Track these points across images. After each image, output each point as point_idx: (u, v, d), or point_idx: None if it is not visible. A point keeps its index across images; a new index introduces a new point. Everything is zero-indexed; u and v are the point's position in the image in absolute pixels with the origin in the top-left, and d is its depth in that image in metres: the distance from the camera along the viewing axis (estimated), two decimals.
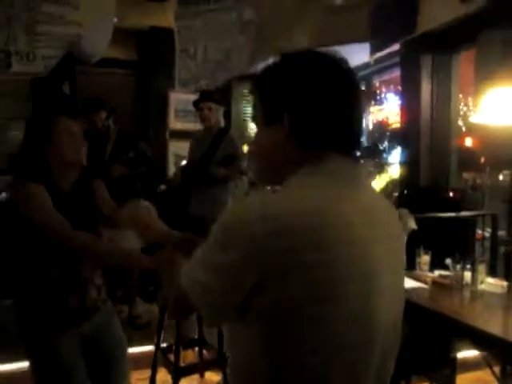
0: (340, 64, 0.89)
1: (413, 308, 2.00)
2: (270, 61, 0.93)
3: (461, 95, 4.29)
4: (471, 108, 4.62)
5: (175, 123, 5.13)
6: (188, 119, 4.98)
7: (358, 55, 3.60)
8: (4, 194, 3.43)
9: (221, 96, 3.80)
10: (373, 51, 3.84)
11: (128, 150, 3.81)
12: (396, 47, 3.87)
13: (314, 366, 0.79)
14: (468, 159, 4.79)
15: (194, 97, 3.78)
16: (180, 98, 4.95)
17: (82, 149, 1.71)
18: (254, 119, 0.95)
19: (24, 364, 1.74)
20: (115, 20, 3.40)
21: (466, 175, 5.08)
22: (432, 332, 2.14)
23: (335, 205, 0.82)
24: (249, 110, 5.20)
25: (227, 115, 4.84)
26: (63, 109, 1.72)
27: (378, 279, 0.83)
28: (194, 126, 4.39)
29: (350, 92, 0.88)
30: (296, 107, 0.86)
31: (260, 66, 0.96)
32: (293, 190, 0.85)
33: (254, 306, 0.79)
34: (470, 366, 2.78)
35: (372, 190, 1.02)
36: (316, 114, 0.85)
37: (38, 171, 1.63)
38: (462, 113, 4.69)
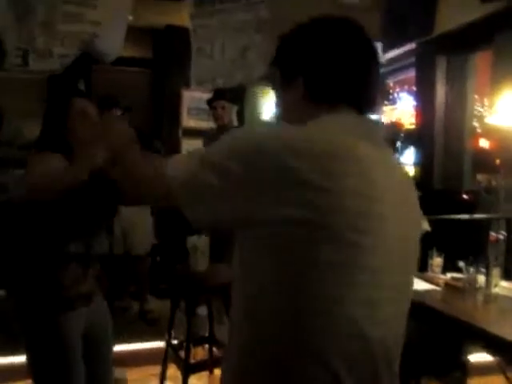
0: (353, 26, 0.91)
1: (425, 310, 1.99)
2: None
3: (476, 96, 4.25)
4: (487, 109, 4.56)
5: (188, 121, 5.14)
6: (201, 117, 4.98)
7: None
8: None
9: (234, 94, 3.80)
10: (385, 50, 3.82)
11: (142, 149, 3.82)
12: (411, 47, 3.85)
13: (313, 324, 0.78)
14: (482, 161, 4.71)
15: (207, 95, 3.79)
16: (193, 96, 4.96)
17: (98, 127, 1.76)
18: (274, 88, 0.98)
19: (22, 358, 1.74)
20: (130, 18, 3.42)
21: (480, 177, 5.01)
22: (443, 334, 2.13)
23: (345, 152, 0.80)
24: (262, 108, 5.20)
25: (240, 114, 4.85)
26: (76, 92, 1.77)
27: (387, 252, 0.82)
28: (207, 124, 4.40)
29: (363, 50, 0.91)
30: (309, 65, 0.89)
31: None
32: (303, 128, 0.85)
33: (253, 227, 0.80)
34: (482, 370, 2.75)
35: (393, 158, 0.97)
36: (328, 67, 0.88)
37: (58, 146, 1.68)
38: (477, 113, 4.64)
